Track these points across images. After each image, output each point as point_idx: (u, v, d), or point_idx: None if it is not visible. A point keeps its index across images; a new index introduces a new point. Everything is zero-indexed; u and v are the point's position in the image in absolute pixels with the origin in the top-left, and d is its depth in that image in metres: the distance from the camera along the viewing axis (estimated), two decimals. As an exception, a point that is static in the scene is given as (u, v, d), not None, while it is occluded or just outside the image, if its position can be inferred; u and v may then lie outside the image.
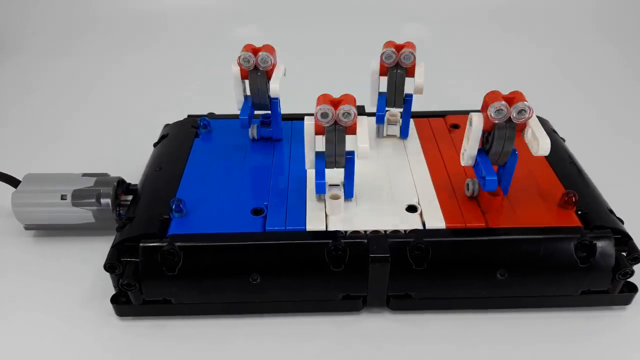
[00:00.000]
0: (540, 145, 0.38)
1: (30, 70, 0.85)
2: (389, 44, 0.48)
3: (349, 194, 0.43)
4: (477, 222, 0.41)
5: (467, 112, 0.40)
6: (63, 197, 0.47)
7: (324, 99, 0.39)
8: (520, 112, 0.38)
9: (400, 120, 0.52)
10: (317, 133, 0.40)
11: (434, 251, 0.39)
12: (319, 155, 0.41)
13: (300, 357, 0.39)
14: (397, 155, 0.50)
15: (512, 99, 0.39)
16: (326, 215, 0.42)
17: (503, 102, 0.38)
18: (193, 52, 0.90)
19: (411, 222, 0.41)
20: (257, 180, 0.46)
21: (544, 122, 0.55)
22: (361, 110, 0.57)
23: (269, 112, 0.51)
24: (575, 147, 0.54)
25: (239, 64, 0.47)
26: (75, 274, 0.46)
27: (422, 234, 0.40)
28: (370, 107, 0.51)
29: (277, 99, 0.49)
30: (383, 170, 0.47)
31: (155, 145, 0.54)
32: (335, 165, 0.41)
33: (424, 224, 0.41)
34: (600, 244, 0.40)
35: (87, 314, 0.43)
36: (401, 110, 0.51)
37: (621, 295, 0.42)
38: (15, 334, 0.41)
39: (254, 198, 0.44)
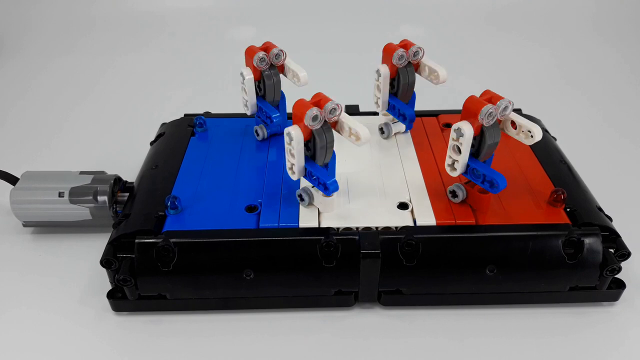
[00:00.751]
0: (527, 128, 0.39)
1: (28, 69, 0.86)
2: (389, 46, 0.48)
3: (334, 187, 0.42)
4: (467, 219, 0.42)
5: (459, 112, 0.41)
6: (61, 195, 0.47)
7: (303, 104, 0.39)
8: (505, 109, 0.39)
9: (397, 119, 0.52)
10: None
11: (424, 247, 0.40)
12: (307, 161, 0.41)
13: (293, 352, 0.40)
14: (389, 154, 0.50)
15: (491, 98, 0.39)
16: (319, 213, 0.43)
17: (490, 105, 0.38)
18: (190, 51, 0.91)
19: (402, 219, 0.42)
20: (252, 178, 0.47)
21: (535, 121, 0.55)
22: (355, 110, 0.58)
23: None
24: (567, 146, 0.55)
25: (254, 66, 0.48)
26: (72, 269, 0.47)
27: (413, 231, 0.40)
28: (375, 108, 0.52)
29: (283, 95, 0.51)
30: (375, 168, 0.48)
31: (151, 143, 0.55)
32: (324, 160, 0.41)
33: (414, 221, 0.42)
34: (587, 240, 0.40)
35: (84, 309, 0.43)
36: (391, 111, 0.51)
37: (609, 291, 0.43)
38: (13, 329, 0.42)
39: (248, 195, 0.45)
